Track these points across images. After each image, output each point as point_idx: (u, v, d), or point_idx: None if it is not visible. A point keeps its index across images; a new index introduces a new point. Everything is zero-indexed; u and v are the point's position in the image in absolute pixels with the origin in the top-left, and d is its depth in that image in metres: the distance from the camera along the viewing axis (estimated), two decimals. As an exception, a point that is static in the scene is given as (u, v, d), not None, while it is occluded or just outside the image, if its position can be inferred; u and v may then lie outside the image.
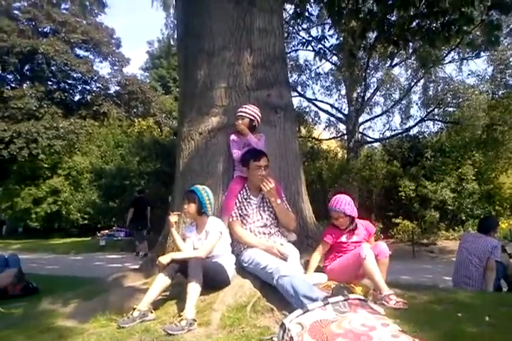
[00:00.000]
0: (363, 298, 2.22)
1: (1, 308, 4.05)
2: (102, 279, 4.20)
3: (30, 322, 3.28)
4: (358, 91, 17.45)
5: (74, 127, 22.67)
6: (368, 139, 19.19)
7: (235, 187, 3.70)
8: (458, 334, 2.71)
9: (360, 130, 18.80)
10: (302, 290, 2.96)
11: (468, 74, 15.78)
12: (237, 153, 3.84)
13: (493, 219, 6.12)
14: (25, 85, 24.25)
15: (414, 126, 17.10)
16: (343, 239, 3.78)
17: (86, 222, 22.23)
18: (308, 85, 18.81)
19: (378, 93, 17.29)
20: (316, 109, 19.19)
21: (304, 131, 19.65)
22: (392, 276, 8.38)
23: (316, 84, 18.69)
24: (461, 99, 12.73)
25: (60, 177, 22.93)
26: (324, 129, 20.24)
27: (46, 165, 22.52)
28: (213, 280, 3.29)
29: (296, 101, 19.50)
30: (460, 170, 15.20)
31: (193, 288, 2.99)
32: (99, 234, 20.27)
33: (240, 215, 3.63)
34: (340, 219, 3.75)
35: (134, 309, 3.01)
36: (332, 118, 19.47)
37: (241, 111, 3.93)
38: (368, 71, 16.59)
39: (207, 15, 4.37)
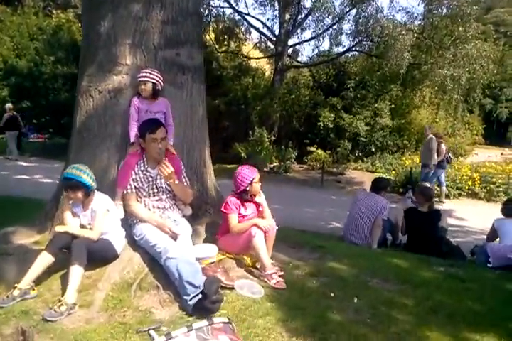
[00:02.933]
0: (227, 320, 2.32)
1: None
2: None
3: None
4: (291, 13, 16.77)
5: (-16, 13, 20.00)
6: (296, 63, 18.88)
7: (131, 158, 3.57)
8: (322, 324, 2.98)
9: (290, 53, 18.43)
10: (186, 276, 3.06)
11: (399, 10, 15.65)
12: (134, 124, 3.67)
13: (385, 181, 6.51)
14: None
15: (342, 54, 16.98)
16: (242, 211, 3.87)
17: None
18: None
19: (310, 17, 16.72)
20: (247, 24, 18.31)
21: (233, 45, 18.92)
22: (298, 208, 8.70)
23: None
24: (387, 37, 12.69)
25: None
26: (254, 47, 19.57)
27: None
28: (101, 257, 3.30)
29: (228, 12, 18.46)
30: (376, 105, 15.75)
31: (75, 271, 2.97)
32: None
33: (136, 188, 3.55)
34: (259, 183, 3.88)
35: (15, 288, 2.96)
36: (263, 37, 18.83)
37: (143, 76, 3.66)
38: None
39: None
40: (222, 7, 18.00)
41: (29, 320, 2.75)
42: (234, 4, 17.56)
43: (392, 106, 16.25)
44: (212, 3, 17.67)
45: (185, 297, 3.04)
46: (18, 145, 14.04)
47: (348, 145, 15.39)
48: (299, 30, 17.46)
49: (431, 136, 10.77)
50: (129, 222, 3.58)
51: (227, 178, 12.33)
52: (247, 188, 3.81)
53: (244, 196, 3.85)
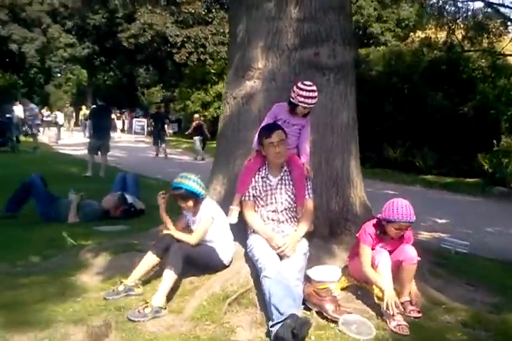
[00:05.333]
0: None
1: (73, 240, 4.65)
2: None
3: (56, 271, 3.67)
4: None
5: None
6: None
7: (252, 164, 3.38)
8: None
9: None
10: (274, 299, 2.75)
11: None
12: None
13: None
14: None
15: None
16: (380, 245, 3.27)
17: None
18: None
19: None
20: (501, 16, 15.89)
21: (485, 42, 16.66)
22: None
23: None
24: None
25: (226, 83, 23.93)
26: (510, 42, 16.77)
27: (213, 71, 23.55)
28: (204, 265, 3.27)
29: (478, 5, 16.51)
30: None
31: (168, 276, 2.97)
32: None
33: (254, 196, 3.36)
34: (403, 231, 3.17)
35: (121, 283, 3.15)
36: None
37: (313, 103, 3.29)
38: None
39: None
40: (472, 0, 16.14)
41: (119, 316, 2.87)
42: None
43: None
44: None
45: (270, 322, 2.73)
46: (203, 147, 16.62)
47: None
48: None
49: None
50: (247, 231, 3.44)
51: (467, 194, 10.82)
52: (383, 223, 3.16)
53: (379, 230, 3.19)
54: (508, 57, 16.85)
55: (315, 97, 3.27)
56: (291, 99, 3.31)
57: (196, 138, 16.40)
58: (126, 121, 30.18)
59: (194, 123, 16.95)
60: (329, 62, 3.63)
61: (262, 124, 3.45)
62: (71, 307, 3.02)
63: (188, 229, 3.40)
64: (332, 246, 3.60)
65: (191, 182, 3.23)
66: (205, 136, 16.75)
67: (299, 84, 3.27)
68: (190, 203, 3.26)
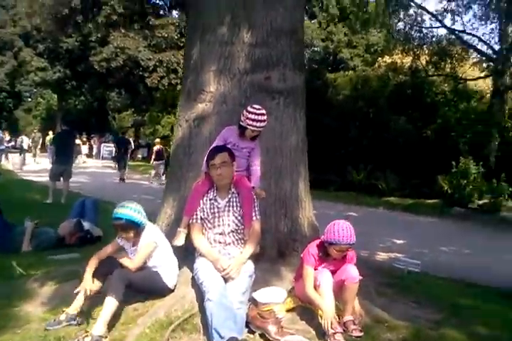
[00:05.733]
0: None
1: (21, 269, 4.53)
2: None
3: (1, 302, 3.53)
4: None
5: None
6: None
7: (200, 186, 3.39)
8: None
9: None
10: (216, 323, 2.73)
11: None
12: None
13: None
14: (174, 12, 25.15)
15: None
16: (323, 265, 3.29)
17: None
18: (458, 14, 16.27)
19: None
20: (462, 43, 16.65)
21: (448, 67, 17.37)
22: (497, 257, 6.54)
23: (466, 13, 16.03)
24: None
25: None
26: (470, 67, 17.58)
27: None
28: (151, 290, 3.22)
29: (442, 32, 17.36)
30: None
31: (109, 303, 2.90)
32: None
33: (201, 218, 3.36)
34: (345, 252, 3.21)
35: (63, 312, 3.07)
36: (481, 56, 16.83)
37: (262, 127, 3.35)
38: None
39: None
40: (436, 27, 16.92)
41: (57, 347, 2.79)
42: (449, 23, 16.34)
43: None
44: (424, 24, 16.78)
45: (210, 347, 2.70)
46: (164, 172, 16.43)
47: None
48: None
49: None
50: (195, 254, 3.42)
51: (426, 215, 10.94)
52: (325, 245, 3.19)
53: (321, 252, 3.23)
54: (469, 82, 17.54)
55: (264, 121, 3.32)
56: (241, 122, 3.37)
57: (156, 162, 16.48)
58: (94, 146, 29.90)
59: (155, 148, 17.11)
60: (279, 86, 3.71)
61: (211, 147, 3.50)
62: (10, 339, 2.92)
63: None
64: (280, 268, 3.60)
65: (132, 211, 3.17)
66: (166, 160, 16.63)
67: (249, 108, 3.34)
68: (131, 234, 3.20)
